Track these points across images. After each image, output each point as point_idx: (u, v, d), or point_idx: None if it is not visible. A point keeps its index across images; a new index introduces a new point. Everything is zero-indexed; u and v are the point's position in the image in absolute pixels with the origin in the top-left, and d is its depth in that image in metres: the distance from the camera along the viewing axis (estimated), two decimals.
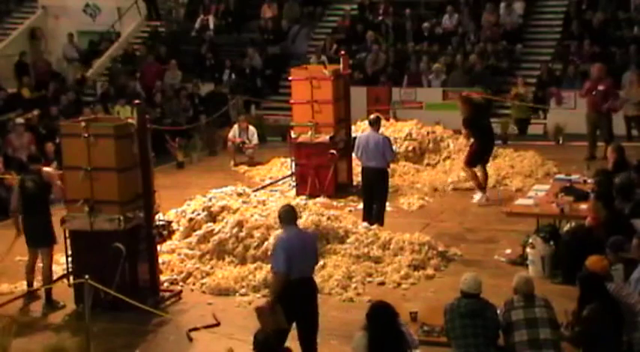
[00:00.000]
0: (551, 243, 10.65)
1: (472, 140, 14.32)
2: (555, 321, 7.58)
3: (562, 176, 13.02)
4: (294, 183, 15.14)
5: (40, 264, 10.62)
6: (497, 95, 20.34)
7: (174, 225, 11.62)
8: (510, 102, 19.48)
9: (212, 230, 11.59)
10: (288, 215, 8.35)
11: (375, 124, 12.83)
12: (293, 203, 12.16)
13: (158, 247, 10.54)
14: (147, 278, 10.21)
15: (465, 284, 7.65)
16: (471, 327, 7.46)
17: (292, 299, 7.93)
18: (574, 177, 12.64)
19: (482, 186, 14.11)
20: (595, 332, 7.52)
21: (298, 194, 14.34)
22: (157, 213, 10.44)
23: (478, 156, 14.17)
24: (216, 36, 25.09)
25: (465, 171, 14.47)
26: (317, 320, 8.28)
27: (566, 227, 11.18)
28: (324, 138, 14.70)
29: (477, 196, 14.18)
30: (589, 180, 11.83)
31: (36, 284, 10.73)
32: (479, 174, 14.23)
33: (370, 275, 10.87)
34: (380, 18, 23.77)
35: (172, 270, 11.09)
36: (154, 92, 21.49)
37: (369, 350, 7.17)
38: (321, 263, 11.01)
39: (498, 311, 7.65)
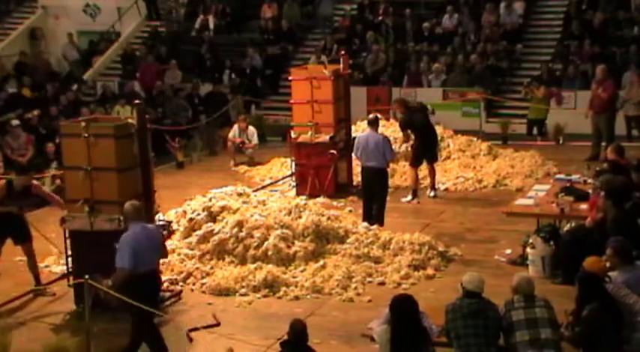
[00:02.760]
0: (551, 243, 10.63)
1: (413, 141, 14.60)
2: (556, 321, 7.56)
3: (562, 176, 13.00)
4: (294, 183, 15.14)
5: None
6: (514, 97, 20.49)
7: (174, 225, 11.62)
8: (531, 104, 19.38)
9: (212, 230, 11.57)
10: (135, 211, 8.64)
11: (374, 124, 12.85)
12: (293, 203, 12.21)
13: None
14: None
15: (469, 283, 7.62)
16: (472, 327, 7.45)
17: (140, 291, 8.29)
18: (574, 177, 12.63)
19: (416, 191, 14.32)
20: (595, 332, 7.52)
21: (298, 194, 14.32)
22: (157, 213, 10.43)
23: (419, 154, 14.40)
24: (216, 36, 25.11)
25: (409, 171, 14.58)
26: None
27: (566, 227, 11.17)
28: (324, 138, 14.69)
29: (408, 198, 14.31)
30: (589, 180, 11.83)
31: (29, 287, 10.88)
32: (427, 171, 14.54)
33: (370, 275, 10.85)
34: (380, 18, 23.78)
35: (172, 270, 11.08)
36: (153, 92, 21.49)
37: (392, 343, 7.22)
38: (321, 263, 11.04)
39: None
